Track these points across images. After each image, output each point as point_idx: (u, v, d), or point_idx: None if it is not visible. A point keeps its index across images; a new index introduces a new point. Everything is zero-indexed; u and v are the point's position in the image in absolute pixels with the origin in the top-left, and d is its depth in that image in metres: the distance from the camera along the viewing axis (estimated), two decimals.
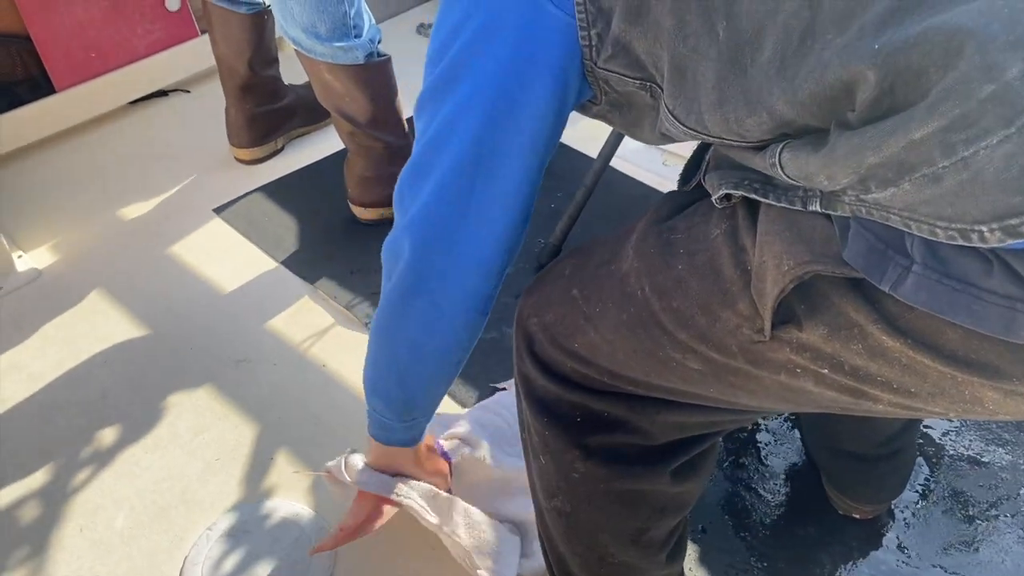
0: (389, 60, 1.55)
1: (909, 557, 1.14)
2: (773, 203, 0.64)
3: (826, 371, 0.66)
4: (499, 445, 1.18)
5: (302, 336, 1.49)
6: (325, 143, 1.94)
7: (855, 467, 1.15)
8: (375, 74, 1.53)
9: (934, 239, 0.54)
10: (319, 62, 1.50)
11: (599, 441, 0.84)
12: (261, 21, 1.75)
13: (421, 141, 0.79)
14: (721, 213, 0.71)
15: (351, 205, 1.71)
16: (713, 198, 0.71)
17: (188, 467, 1.29)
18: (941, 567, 1.12)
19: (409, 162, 0.80)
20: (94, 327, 1.53)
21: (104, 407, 1.39)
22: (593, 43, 0.71)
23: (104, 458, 1.31)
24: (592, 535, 0.91)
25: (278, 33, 1.86)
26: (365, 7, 1.50)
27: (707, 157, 0.78)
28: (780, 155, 0.61)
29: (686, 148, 1.75)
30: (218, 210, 1.78)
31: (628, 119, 0.80)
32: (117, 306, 1.58)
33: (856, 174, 0.55)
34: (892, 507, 1.19)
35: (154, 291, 1.60)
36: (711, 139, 0.67)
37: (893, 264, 0.57)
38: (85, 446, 1.33)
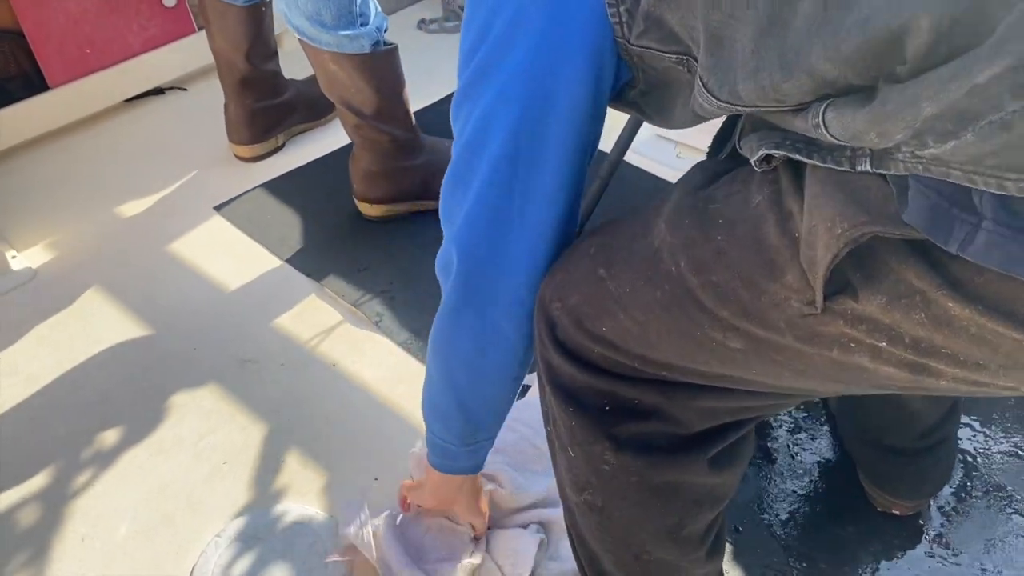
0: (396, 49, 1.51)
1: (954, 554, 1.09)
2: (819, 164, 0.60)
3: (884, 344, 0.61)
4: (520, 467, 1.15)
5: (309, 335, 1.44)
6: (327, 139, 1.90)
7: (894, 461, 1.10)
8: (381, 64, 1.49)
9: (1003, 193, 0.49)
10: (324, 52, 1.45)
11: (630, 431, 0.79)
12: (259, 13, 1.71)
13: (458, 145, 0.77)
14: (763, 178, 0.66)
15: (356, 201, 1.66)
16: (752, 160, 0.66)
17: (194, 472, 1.24)
18: (988, 565, 1.07)
19: (448, 169, 0.78)
20: (92, 328, 1.48)
21: (104, 410, 1.34)
22: (623, 19, 0.68)
23: (105, 464, 1.26)
24: (626, 531, 0.85)
25: (278, 29, 1.82)
26: None
27: (741, 123, 0.73)
28: (823, 115, 0.56)
29: (702, 140, 1.71)
30: (218, 208, 1.74)
31: (661, 101, 0.76)
32: (116, 306, 1.53)
33: (911, 128, 0.50)
34: (932, 502, 1.14)
35: (154, 290, 1.55)
36: (745, 110, 0.63)
37: (960, 222, 0.52)
38: (85, 451, 1.28)
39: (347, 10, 1.42)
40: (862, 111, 0.53)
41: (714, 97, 0.64)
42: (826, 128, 0.56)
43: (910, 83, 0.50)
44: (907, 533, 1.12)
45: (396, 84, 1.53)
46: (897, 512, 1.13)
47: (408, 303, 1.48)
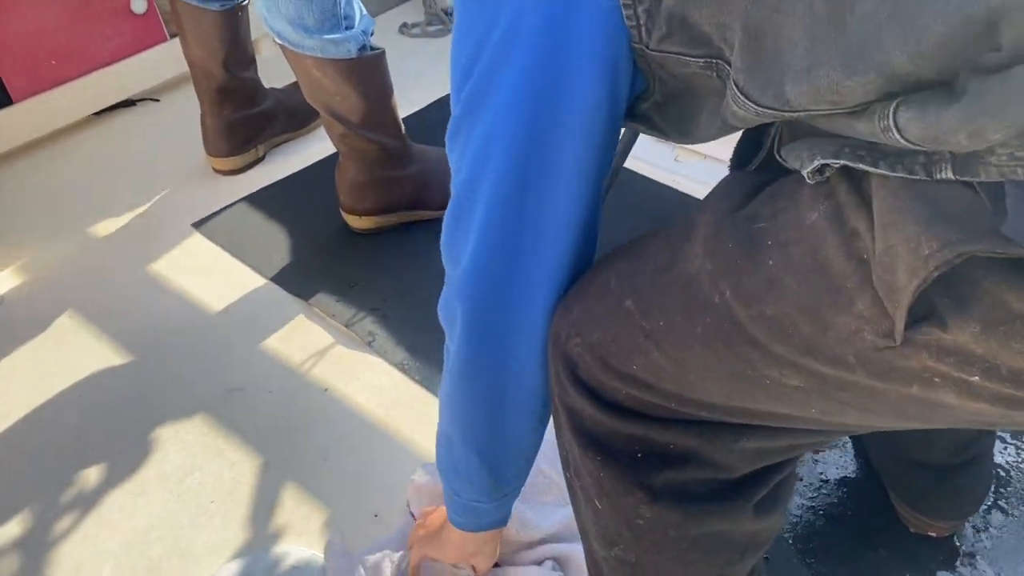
0: (383, 54, 1.43)
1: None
2: (887, 173, 0.53)
3: (976, 379, 0.54)
4: (527, 499, 1.08)
5: (299, 359, 1.37)
6: (310, 150, 1.83)
7: (928, 479, 1.04)
8: (368, 69, 1.42)
9: None
10: (306, 57, 1.38)
11: (666, 479, 0.72)
12: (235, 18, 1.64)
13: (457, 180, 0.70)
14: (814, 191, 0.58)
15: (343, 214, 1.59)
16: (805, 172, 0.58)
17: (180, 513, 1.16)
18: None
19: (449, 205, 0.71)
20: (65, 358, 1.40)
21: (80, 449, 1.25)
22: (641, 22, 0.61)
23: (82, 507, 1.18)
24: None
25: (255, 34, 1.74)
26: None
27: (775, 130, 0.66)
28: (895, 116, 0.49)
29: (700, 144, 1.63)
30: (197, 225, 1.66)
31: (682, 113, 0.69)
32: (90, 334, 1.44)
33: (1014, 127, 0.44)
34: (968, 522, 1.08)
35: (130, 316, 1.47)
36: (793, 115, 0.56)
37: None
38: (60, 493, 1.19)
39: (331, 12, 1.35)
40: (949, 109, 0.45)
41: (752, 103, 0.56)
42: (899, 132, 0.49)
43: (1013, 71, 0.42)
44: (943, 556, 1.06)
45: (384, 90, 1.46)
46: (933, 533, 1.07)
47: (402, 321, 1.40)
